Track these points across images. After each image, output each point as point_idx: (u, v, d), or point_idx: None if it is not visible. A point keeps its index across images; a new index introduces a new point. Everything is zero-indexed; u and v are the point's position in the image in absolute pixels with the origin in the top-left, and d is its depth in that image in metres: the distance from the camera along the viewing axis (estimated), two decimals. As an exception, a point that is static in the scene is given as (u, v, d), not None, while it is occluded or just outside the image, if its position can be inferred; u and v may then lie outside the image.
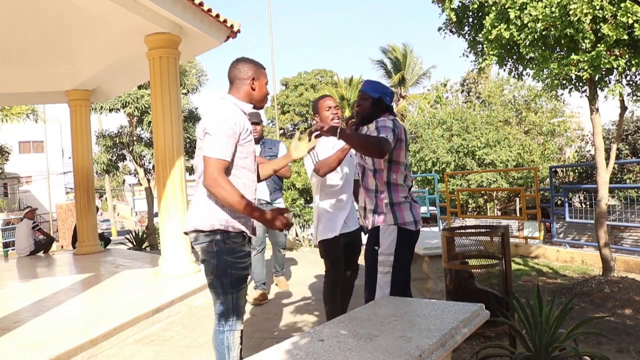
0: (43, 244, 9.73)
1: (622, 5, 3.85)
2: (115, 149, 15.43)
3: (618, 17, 3.89)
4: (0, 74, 7.96)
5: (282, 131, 35.01)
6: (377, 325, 2.02)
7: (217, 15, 5.99)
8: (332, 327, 2.04)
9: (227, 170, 2.28)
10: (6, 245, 13.73)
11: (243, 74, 2.42)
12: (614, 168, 6.45)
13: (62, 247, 16.48)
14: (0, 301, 4.94)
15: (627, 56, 4.15)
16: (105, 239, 9.97)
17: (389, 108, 2.81)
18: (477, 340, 3.30)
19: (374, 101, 2.80)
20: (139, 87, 13.91)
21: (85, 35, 6.89)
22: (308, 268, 6.67)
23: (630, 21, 3.85)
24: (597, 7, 3.90)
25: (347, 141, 2.55)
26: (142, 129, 15.38)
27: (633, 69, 4.17)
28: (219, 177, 2.19)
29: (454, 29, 5.43)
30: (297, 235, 12.77)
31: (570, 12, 3.97)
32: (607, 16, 3.96)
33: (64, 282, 5.86)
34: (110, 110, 14.48)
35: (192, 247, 2.43)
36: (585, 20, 3.97)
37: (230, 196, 2.19)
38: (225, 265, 2.27)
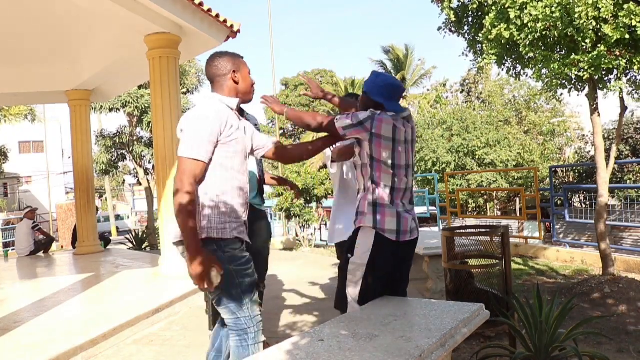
0: (43, 244, 9.73)
1: (625, 6, 3.85)
2: (115, 149, 15.44)
3: (619, 18, 3.89)
4: (0, 74, 7.97)
5: (282, 131, 35.03)
6: (377, 325, 2.02)
7: (217, 15, 5.99)
8: (332, 327, 2.04)
9: (204, 172, 2.08)
10: (6, 245, 13.73)
11: (222, 69, 2.27)
12: (614, 168, 6.45)
13: (62, 247, 16.48)
14: (0, 301, 4.94)
15: (627, 56, 4.15)
16: (105, 239, 9.97)
17: (379, 105, 2.47)
18: (477, 340, 3.30)
19: (362, 97, 2.59)
20: (139, 87, 13.92)
21: (85, 35, 6.89)
22: (308, 268, 6.67)
23: (634, 22, 3.84)
24: (602, 9, 3.89)
25: (290, 118, 2.62)
26: (142, 129, 15.39)
27: (635, 68, 4.17)
28: (185, 178, 2.00)
29: (453, 29, 5.43)
30: (297, 235, 12.77)
31: (575, 15, 3.96)
32: (607, 17, 3.95)
33: (64, 282, 5.86)
34: (110, 110, 14.49)
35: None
36: (590, 22, 3.96)
37: (185, 208, 1.96)
38: (230, 275, 2.07)
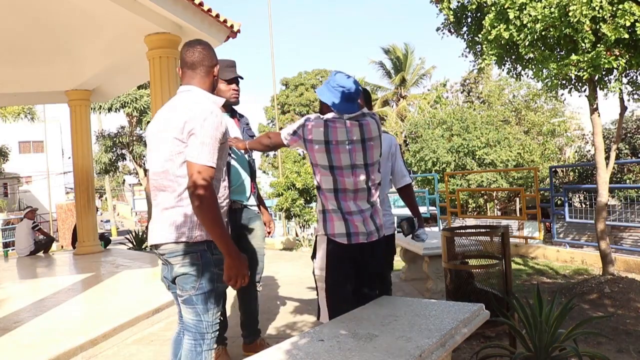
0: (43, 244, 9.74)
1: (621, 6, 3.85)
2: (115, 149, 15.46)
3: (616, 19, 3.89)
4: (0, 74, 7.97)
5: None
6: (377, 325, 2.02)
7: (217, 15, 5.99)
8: (332, 327, 2.04)
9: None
10: (6, 245, 13.72)
11: (209, 60, 2.12)
12: (614, 168, 6.45)
13: (62, 247, 16.48)
14: (0, 301, 4.94)
15: (627, 56, 4.15)
16: (105, 239, 9.97)
17: (329, 107, 2.40)
18: (477, 340, 3.30)
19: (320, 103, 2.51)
20: (139, 87, 13.96)
21: (85, 36, 6.89)
22: (308, 268, 6.67)
23: (629, 22, 3.84)
24: (597, 8, 3.90)
25: (253, 148, 2.78)
26: (142, 129, 15.40)
27: (634, 68, 4.17)
28: (206, 187, 1.93)
29: (452, 29, 5.43)
30: (297, 235, 12.77)
31: (570, 14, 3.97)
32: (605, 17, 3.95)
33: (64, 282, 5.86)
34: (109, 110, 14.51)
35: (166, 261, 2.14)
36: (585, 21, 3.96)
37: (213, 213, 1.93)
38: (212, 278, 2.05)
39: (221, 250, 1.97)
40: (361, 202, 2.39)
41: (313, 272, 2.49)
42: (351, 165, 2.35)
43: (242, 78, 3.08)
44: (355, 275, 2.44)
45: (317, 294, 2.48)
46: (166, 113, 2.11)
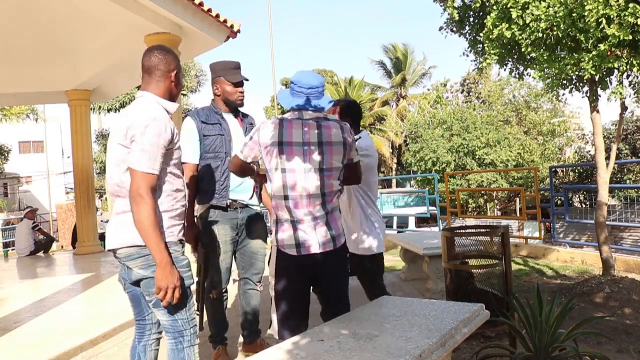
0: (42, 244, 9.74)
1: (631, 5, 3.83)
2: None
3: (623, 17, 3.87)
4: (0, 74, 7.97)
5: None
6: (377, 325, 2.02)
7: (217, 15, 5.99)
8: (332, 327, 2.04)
9: (156, 184, 2.01)
10: (6, 245, 13.73)
11: (165, 65, 2.12)
12: (614, 168, 6.45)
13: (62, 247, 16.48)
14: (0, 301, 4.94)
15: (628, 56, 4.14)
16: (105, 239, 9.96)
17: (293, 108, 2.27)
18: (477, 340, 3.30)
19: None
20: (139, 88, 13.95)
21: (85, 36, 6.89)
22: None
23: (639, 22, 3.83)
24: (613, 7, 3.87)
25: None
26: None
27: (634, 69, 4.16)
28: (145, 194, 1.94)
29: (454, 28, 5.42)
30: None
31: (586, 14, 3.94)
32: (612, 16, 3.93)
33: (64, 282, 5.87)
34: (109, 110, 14.51)
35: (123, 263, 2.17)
36: (593, 19, 3.93)
37: (149, 220, 1.93)
38: None
39: (154, 258, 1.97)
40: (315, 209, 2.21)
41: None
42: (304, 169, 2.19)
43: (247, 80, 3.10)
44: (314, 286, 2.35)
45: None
46: (118, 119, 2.12)
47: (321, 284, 2.34)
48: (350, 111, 3.09)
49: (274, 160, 2.19)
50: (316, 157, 2.21)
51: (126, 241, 2.06)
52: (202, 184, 3.00)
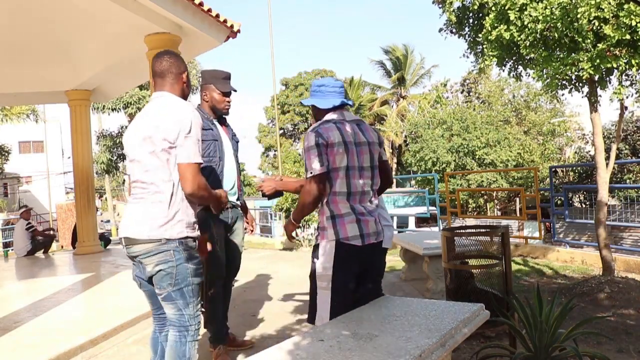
0: (42, 244, 9.73)
1: (625, 6, 3.84)
2: (115, 149, 15.45)
3: (620, 18, 3.88)
4: (0, 74, 7.97)
5: (282, 131, 35.03)
6: (377, 325, 2.02)
7: (217, 15, 5.99)
8: (332, 327, 2.04)
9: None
10: (6, 245, 13.72)
11: (177, 67, 2.27)
12: (614, 168, 6.46)
13: (62, 247, 16.48)
14: (0, 301, 4.94)
15: (627, 56, 4.15)
16: (105, 239, 9.98)
17: (329, 109, 2.47)
18: (477, 340, 3.30)
19: (312, 110, 2.57)
20: (140, 88, 13.95)
21: (85, 35, 6.89)
22: (308, 268, 6.66)
23: (634, 22, 3.83)
24: (605, 10, 3.88)
25: (303, 216, 2.58)
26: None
27: (634, 69, 4.16)
28: (204, 185, 2.20)
29: (454, 30, 5.43)
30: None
31: (579, 16, 3.95)
32: (608, 17, 3.95)
33: (64, 282, 5.87)
34: (112, 109, 14.52)
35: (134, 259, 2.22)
36: (587, 21, 3.95)
37: (213, 197, 2.29)
38: (187, 273, 2.17)
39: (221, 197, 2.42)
40: (368, 204, 2.46)
41: (312, 272, 2.47)
42: (359, 167, 2.41)
43: (235, 91, 3.23)
44: (358, 276, 2.46)
45: (312, 295, 2.46)
46: (141, 121, 2.21)
47: (370, 273, 2.54)
48: None
49: (340, 159, 2.36)
50: (368, 155, 2.47)
51: (144, 235, 2.13)
52: None
